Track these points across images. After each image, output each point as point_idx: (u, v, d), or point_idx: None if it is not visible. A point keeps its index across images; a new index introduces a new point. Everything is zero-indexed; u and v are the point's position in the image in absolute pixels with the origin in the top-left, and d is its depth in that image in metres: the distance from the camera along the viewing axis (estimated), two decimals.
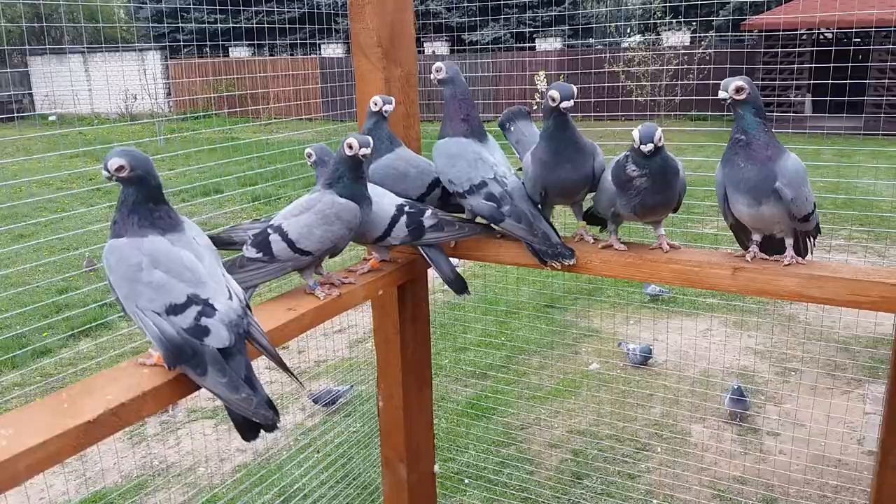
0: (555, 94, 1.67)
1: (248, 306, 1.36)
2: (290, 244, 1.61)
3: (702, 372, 5.39)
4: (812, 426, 4.31)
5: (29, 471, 1.01)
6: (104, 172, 1.28)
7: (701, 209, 8.24)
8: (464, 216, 1.94)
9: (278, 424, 1.28)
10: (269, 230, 1.64)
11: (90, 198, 11.12)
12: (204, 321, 1.24)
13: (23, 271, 7.27)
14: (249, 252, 1.63)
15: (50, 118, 20.13)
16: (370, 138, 1.64)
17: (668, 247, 1.74)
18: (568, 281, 7.04)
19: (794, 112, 17.01)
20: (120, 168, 1.26)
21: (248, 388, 1.23)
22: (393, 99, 1.93)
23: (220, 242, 1.76)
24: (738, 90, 1.55)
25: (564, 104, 1.66)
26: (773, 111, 15.89)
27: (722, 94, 1.57)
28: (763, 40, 17.49)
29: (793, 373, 5.39)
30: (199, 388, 1.31)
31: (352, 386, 5.17)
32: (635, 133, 1.58)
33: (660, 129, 1.57)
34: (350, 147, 1.61)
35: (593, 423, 4.87)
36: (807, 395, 4.78)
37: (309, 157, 1.97)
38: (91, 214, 9.56)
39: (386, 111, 1.91)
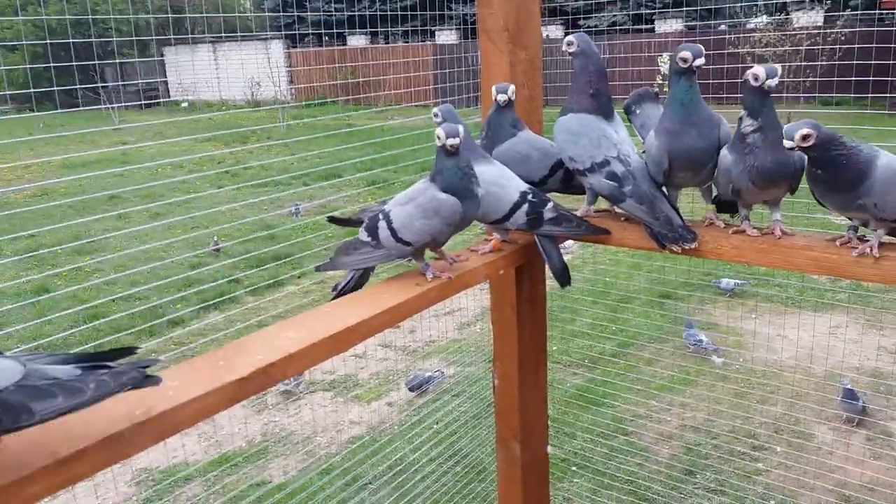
0: (686, 54, 1.63)
1: None
2: (393, 233, 1.62)
3: (829, 371, 5.09)
4: None
5: (190, 419, 1.12)
6: None
7: None
8: (586, 198, 1.93)
9: None
10: (380, 216, 1.65)
11: (218, 180, 11.82)
12: None
13: (158, 247, 7.84)
14: (363, 235, 1.66)
15: (182, 105, 21.52)
16: (460, 127, 1.60)
17: (780, 233, 1.66)
18: (687, 270, 6.81)
19: None
20: None
21: None
22: (512, 86, 1.93)
23: (354, 223, 1.83)
24: (805, 138, 1.43)
25: (698, 62, 1.63)
26: None
27: (787, 144, 1.47)
28: None
29: None
30: (328, 357, 1.37)
31: (442, 372, 5.28)
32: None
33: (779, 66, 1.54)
34: (437, 137, 1.59)
35: (708, 418, 4.71)
36: None
37: (435, 116, 1.93)
38: (219, 196, 10.19)
39: (510, 100, 1.92)
